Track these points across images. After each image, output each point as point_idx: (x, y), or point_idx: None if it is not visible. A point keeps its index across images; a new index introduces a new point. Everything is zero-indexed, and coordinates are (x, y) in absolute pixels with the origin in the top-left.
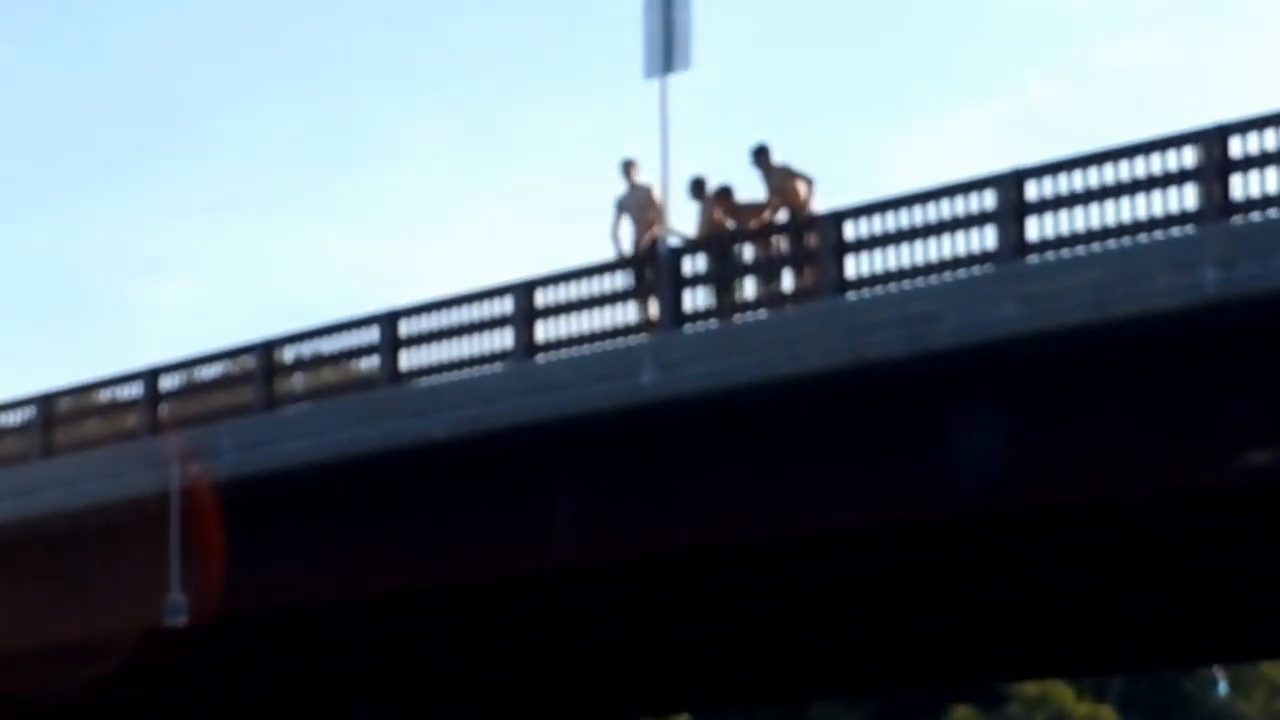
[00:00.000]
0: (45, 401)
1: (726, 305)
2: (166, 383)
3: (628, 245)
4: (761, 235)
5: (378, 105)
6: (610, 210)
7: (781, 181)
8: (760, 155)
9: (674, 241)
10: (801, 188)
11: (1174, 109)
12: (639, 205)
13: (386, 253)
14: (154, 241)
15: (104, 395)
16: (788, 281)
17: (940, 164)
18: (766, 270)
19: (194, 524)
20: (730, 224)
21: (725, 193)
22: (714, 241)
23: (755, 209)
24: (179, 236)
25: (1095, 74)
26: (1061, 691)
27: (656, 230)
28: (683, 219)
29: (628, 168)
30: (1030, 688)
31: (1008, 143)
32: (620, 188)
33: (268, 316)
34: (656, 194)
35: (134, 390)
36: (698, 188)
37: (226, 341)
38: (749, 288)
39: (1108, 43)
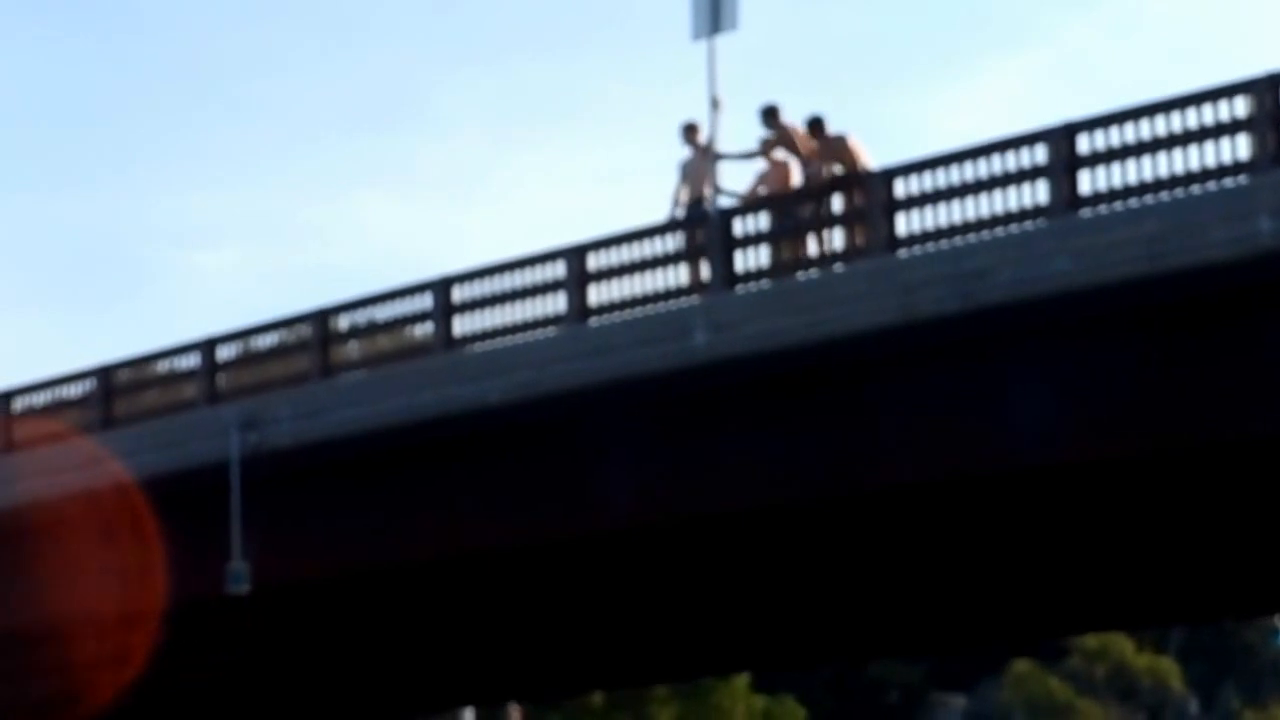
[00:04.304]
0: (104, 374)
1: (783, 262)
2: (223, 352)
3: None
4: (814, 194)
5: (424, 72)
6: (674, 174)
7: (837, 149)
8: (769, 115)
9: (725, 202)
10: (855, 147)
11: (1216, 57)
12: (697, 170)
13: (436, 219)
14: (203, 211)
15: (162, 366)
16: (839, 240)
17: (981, 119)
18: (818, 228)
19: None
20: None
21: (818, 122)
22: (771, 199)
23: (841, 140)
24: (228, 206)
25: (1135, 22)
26: (1122, 644)
27: (705, 190)
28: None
29: (689, 131)
30: (1090, 641)
31: (1047, 95)
32: (683, 151)
33: (319, 284)
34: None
35: (191, 360)
36: (771, 115)
37: (279, 310)
38: (804, 245)
39: None
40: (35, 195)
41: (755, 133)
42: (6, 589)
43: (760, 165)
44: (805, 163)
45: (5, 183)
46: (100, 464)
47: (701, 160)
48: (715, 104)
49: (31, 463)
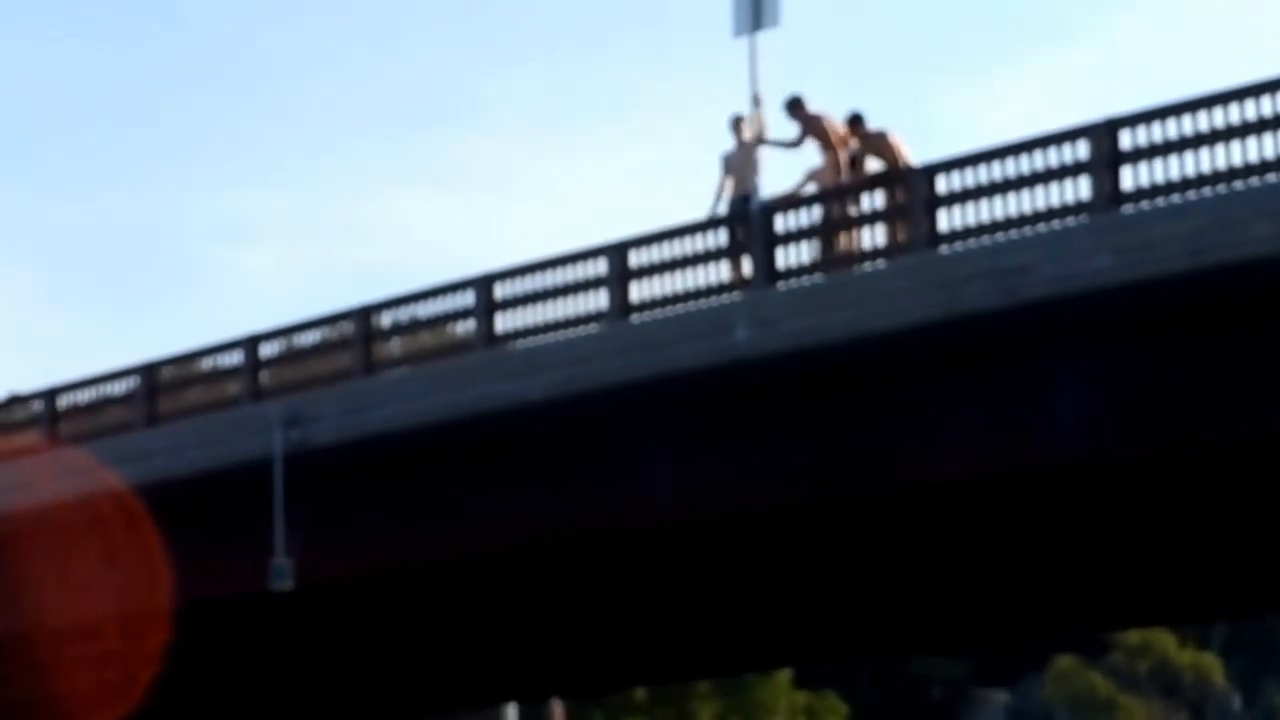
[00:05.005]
0: (148, 371)
1: (826, 258)
2: (266, 350)
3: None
4: (855, 190)
5: (467, 69)
6: (717, 166)
7: (878, 144)
8: (794, 106)
9: (765, 197)
10: (896, 143)
11: (1262, 53)
12: (741, 163)
13: (478, 216)
14: (247, 209)
15: (205, 363)
16: (880, 236)
17: (1027, 113)
18: (860, 223)
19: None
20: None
21: (858, 119)
22: (813, 196)
23: (881, 136)
24: (272, 203)
25: (1181, 17)
26: (1164, 639)
27: (746, 185)
28: (775, 174)
29: (737, 124)
30: (1133, 636)
31: (1094, 89)
32: (728, 144)
33: (362, 282)
34: (759, 150)
35: (235, 358)
36: (795, 106)
37: (322, 307)
38: (848, 241)
39: None
40: (80, 193)
41: (793, 127)
42: (16, 591)
43: (810, 162)
44: (834, 149)
45: (51, 181)
46: (93, 472)
47: (747, 155)
48: (757, 101)
49: (26, 471)
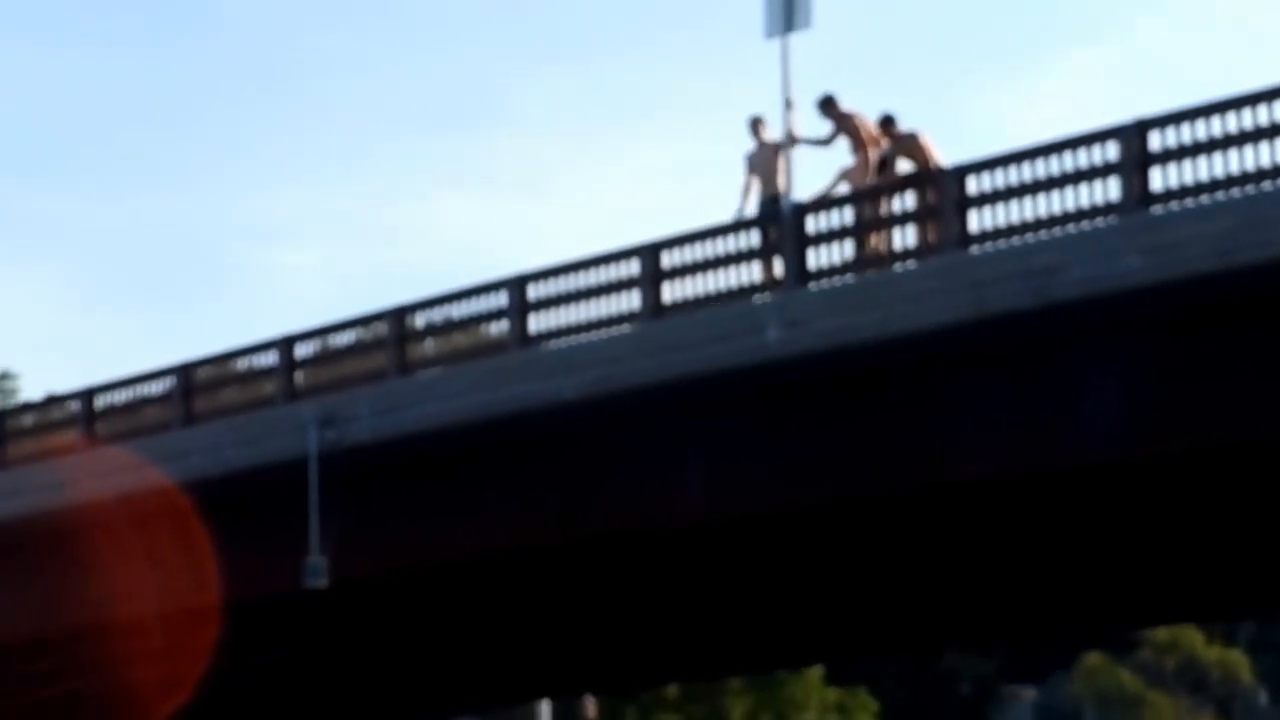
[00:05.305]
0: (185, 371)
1: (857, 258)
2: (301, 350)
3: (754, 202)
4: (886, 191)
5: (500, 71)
6: (741, 166)
7: (909, 146)
8: (827, 105)
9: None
10: (927, 145)
11: None
12: (766, 162)
13: (512, 217)
14: (280, 210)
15: (241, 364)
16: (912, 236)
17: (1057, 114)
18: (891, 224)
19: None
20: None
21: (889, 120)
22: (845, 197)
23: (912, 138)
24: (305, 205)
25: (1208, 17)
26: (1192, 636)
27: (780, 186)
28: (811, 177)
29: (756, 125)
30: (1161, 633)
31: (1121, 90)
32: (749, 145)
33: (396, 282)
34: (782, 151)
35: (270, 358)
36: (828, 104)
37: (356, 307)
38: (879, 241)
39: None
40: (118, 196)
41: (826, 125)
42: (58, 589)
43: (842, 161)
44: (866, 147)
45: (89, 184)
46: (140, 469)
47: (772, 155)
48: (789, 104)
49: (74, 468)
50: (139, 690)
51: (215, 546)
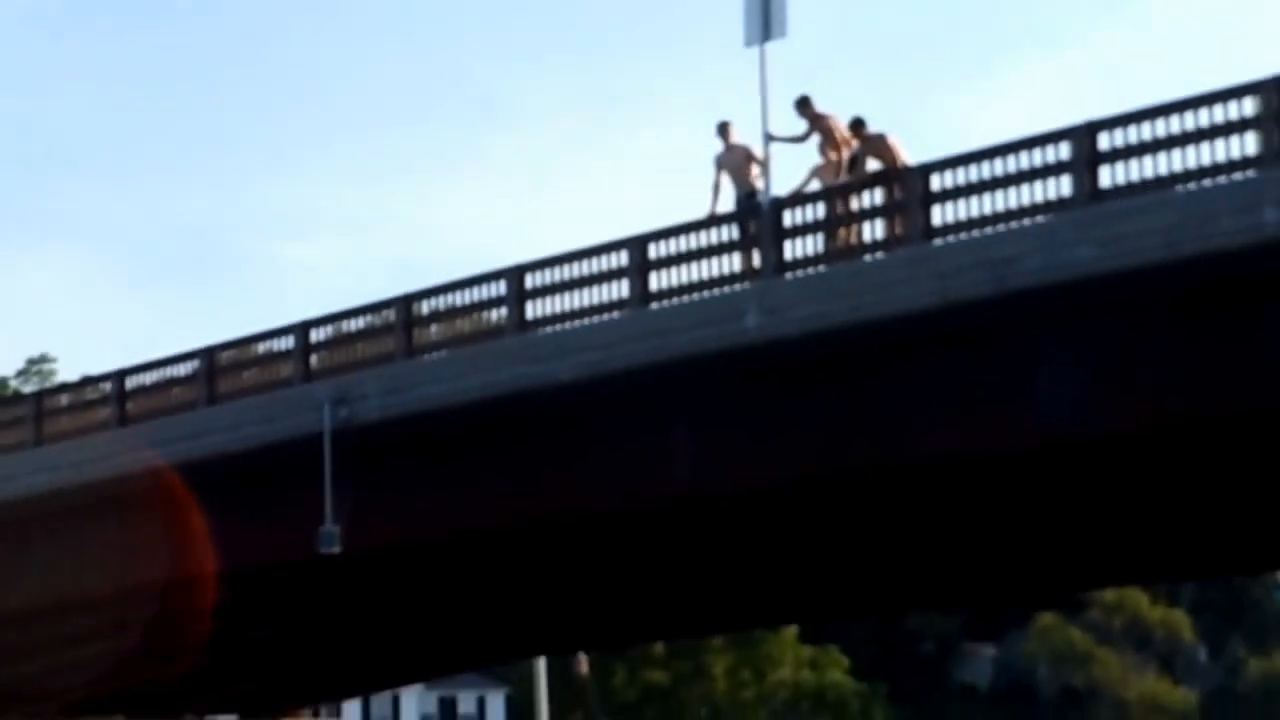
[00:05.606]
0: (208, 354)
1: (832, 250)
2: (316, 334)
3: (726, 199)
4: (857, 188)
5: (496, 72)
6: (710, 168)
7: (878, 146)
8: (803, 105)
9: (773, 194)
10: (894, 145)
11: (1233, 59)
12: (735, 163)
13: (507, 210)
14: (296, 205)
15: (260, 347)
16: (880, 230)
17: (1013, 116)
18: (860, 219)
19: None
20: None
21: (860, 123)
22: (819, 193)
23: (881, 138)
24: (318, 200)
25: (1158, 25)
26: (1137, 598)
27: (757, 183)
28: (786, 170)
29: (724, 129)
30: (1109, 595)
31: (1073, 93)
32: (718, 147)
33: (401, 271)
34: (755, 151)
35: (287, 342)
36: (804, 105)
37: (366, 296)
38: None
39: None
40: (148, 191)
41: (802, 123)
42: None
43: (815, 160)
44: (838, 147)
45: (125, 181)
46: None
47: (741, 156)
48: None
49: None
50: (160, 648)
51: (234, 517)
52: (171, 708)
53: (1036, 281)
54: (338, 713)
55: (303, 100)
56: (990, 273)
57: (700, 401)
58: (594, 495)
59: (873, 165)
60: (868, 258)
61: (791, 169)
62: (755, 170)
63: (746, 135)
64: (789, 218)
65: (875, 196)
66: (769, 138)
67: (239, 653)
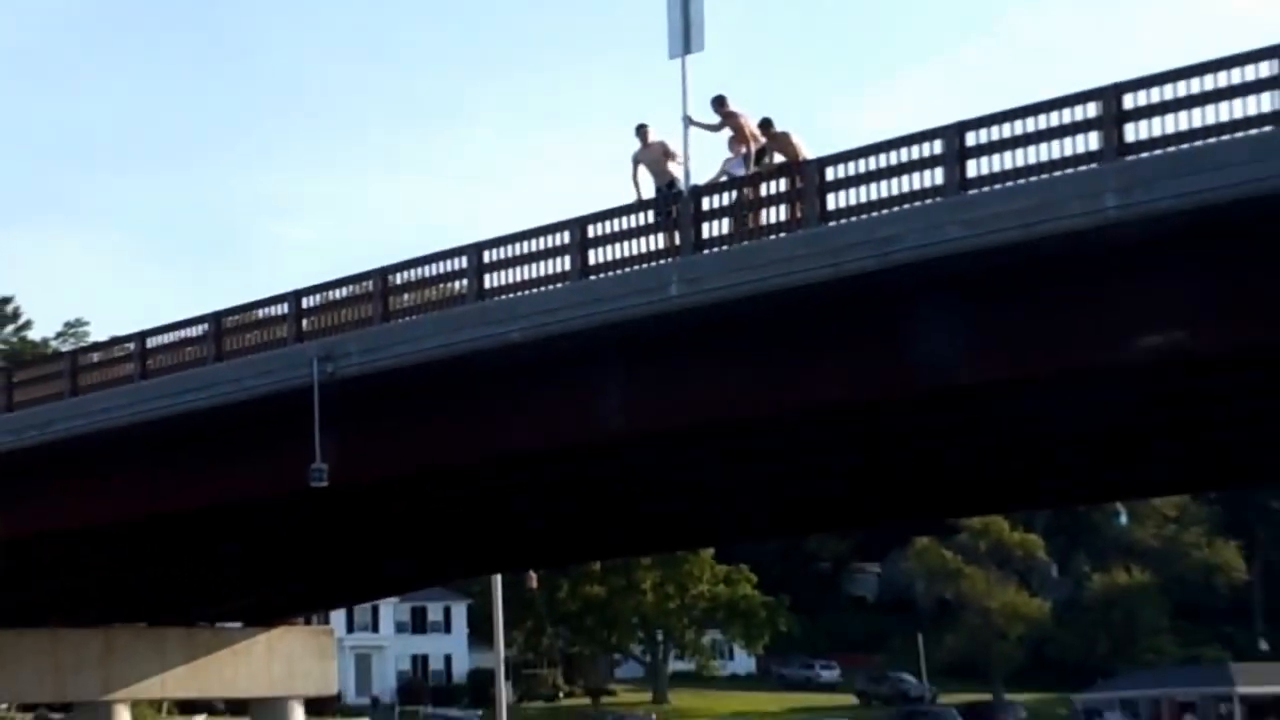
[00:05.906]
0: (216, 318)
1: (741, 231)
2: (307, 301)
3: (647, 189)
4: (764, 177)
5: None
6: (628, 164)
7: (782, 142)
8: (719, 102)
9: (693, 182)
10: (796, 142)
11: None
12: (653, 159)
13: (465, 198)
14: (285, 192)
15: (260, 312)
16: (783, 213)
17: (897, 117)
18: (766, 204)
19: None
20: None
21: (767, 122)
22: (731, 181)
23: (785, 135)
24: (304, 187)
25: (1017, 43)
26: (999, 524)
27: (676, 174)
28: (702, 162)
29: (641, 130)
30: (975, 522)
31: (947, 97)
32: (635, 145)
33: (375, 248)
34: (672, 147)
35: (282, 308)
36: (720, 102)
37: (349, 268)
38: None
39: (1028, 15)
40: (167, 179)
41: (715, 117)
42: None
43: (726, 153)
44: (747, 142)
45: (144, 169)
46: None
47: (659, 152)
48: (688, 122)
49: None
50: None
51: (240, 456)
52: (185, 616)
53: (914, 257)
54: (326, 620)
55: (296, 108)
56: (875, 250)
57: (630, 358)
58: (541, 436)
59: (777, 158)
60: (773, 237)
61: (706, 162)
62: (671, 164)
63: (666, 135)
64: (706, 203)
65: (779, 185)
66: (689, 121)
67: (242, 570)
